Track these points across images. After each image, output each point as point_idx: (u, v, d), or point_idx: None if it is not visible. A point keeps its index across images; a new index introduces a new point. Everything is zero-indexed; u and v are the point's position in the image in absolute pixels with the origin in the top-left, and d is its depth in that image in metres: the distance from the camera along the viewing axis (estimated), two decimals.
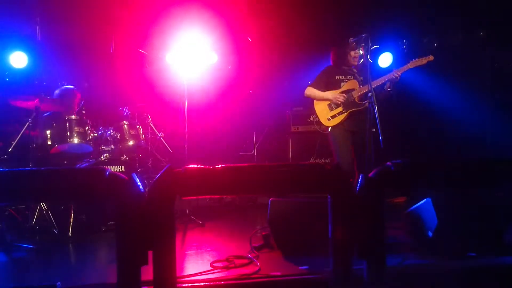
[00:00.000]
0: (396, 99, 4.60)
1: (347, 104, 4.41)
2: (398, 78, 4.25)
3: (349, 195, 2.06)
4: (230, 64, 6.27)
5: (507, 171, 2.22)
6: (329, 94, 4.45)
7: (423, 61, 4.25)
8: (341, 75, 4.55)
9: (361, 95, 4.40)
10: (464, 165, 2.22)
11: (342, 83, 4.52)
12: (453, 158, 2.29)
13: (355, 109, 4.40)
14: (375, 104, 4.01)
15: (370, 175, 2.09)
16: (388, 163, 2.10)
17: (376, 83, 4.29)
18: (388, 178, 2.09)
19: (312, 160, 6.08)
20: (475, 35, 6.23)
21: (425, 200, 3.22)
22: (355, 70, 4.57)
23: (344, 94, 4.40)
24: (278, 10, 5.77)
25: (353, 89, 4.46)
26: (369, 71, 4.20)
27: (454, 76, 6.09)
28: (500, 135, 5.79)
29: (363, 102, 4.37)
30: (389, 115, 4.91)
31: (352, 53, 4.46)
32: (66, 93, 4.90)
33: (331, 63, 4.65)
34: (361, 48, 4.53)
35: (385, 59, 6.16)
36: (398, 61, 6.26)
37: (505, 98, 6.00)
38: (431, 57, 4.23)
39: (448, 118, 6.02)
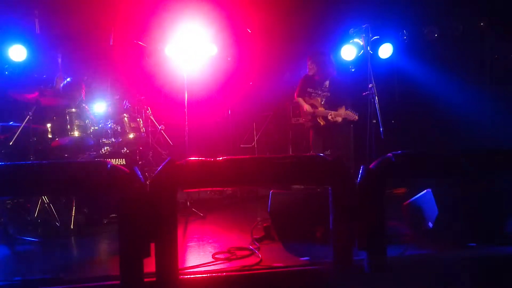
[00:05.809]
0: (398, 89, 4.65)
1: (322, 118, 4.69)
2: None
3: (350, 186, 2.07)
4: (230, 56, 6.23)
5: (506, 162, 2.23)
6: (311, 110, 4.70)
7: (354, 116, 4.45)
8: (311, 87, 4.73)
9: (323, 117, 4.62)
10: (464, 156, 2.23)
11: (309, 97, 4.75)
12: (453, 149, 2.29)
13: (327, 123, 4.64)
14: (376, 96, 4.01)
15: (371, 166, 2.10)
16: (389, 154, 2.11)
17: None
18: (388, 169, 2.10)
19: (312, 151, 6.08)
20: (476, 26, 6.19)
21: (425, 191, 3.23)
22: (326, 84, 4.66)
23: (323, 109, 4.63)
24: (277, 1, 5.73)
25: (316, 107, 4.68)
26: (369, 62, 4.19)
27: (454, 67, 6.07)
28: (500, 126, 5.78)
29: (327, 122, 4.61)
30: (390, 107, 4.90)
31: (308, 63, 4.68)
32: (72, 84, 4.85)
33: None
34: (361, 39, 4.52)
35: (385, 50, 6.13)
36: (399, 52, 6.24)
37: (505, 89, 5.99)
38: (356, 117, 4.46)
39: (448, 109, 6.00)
